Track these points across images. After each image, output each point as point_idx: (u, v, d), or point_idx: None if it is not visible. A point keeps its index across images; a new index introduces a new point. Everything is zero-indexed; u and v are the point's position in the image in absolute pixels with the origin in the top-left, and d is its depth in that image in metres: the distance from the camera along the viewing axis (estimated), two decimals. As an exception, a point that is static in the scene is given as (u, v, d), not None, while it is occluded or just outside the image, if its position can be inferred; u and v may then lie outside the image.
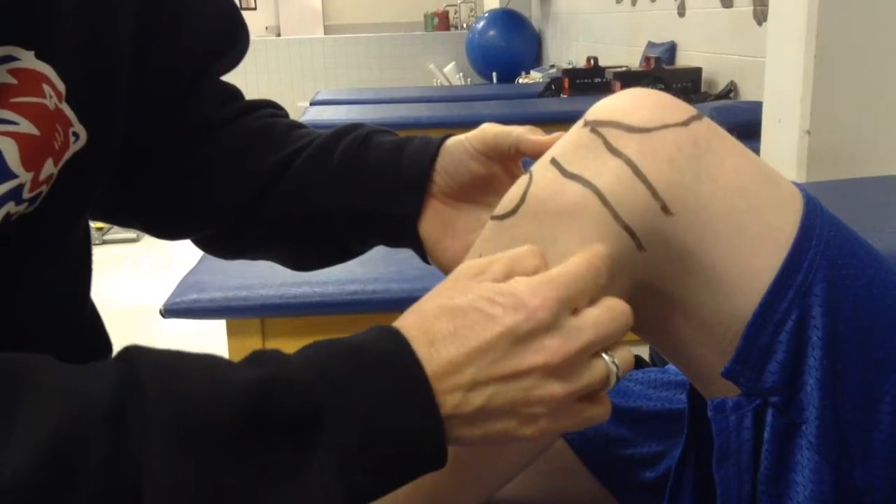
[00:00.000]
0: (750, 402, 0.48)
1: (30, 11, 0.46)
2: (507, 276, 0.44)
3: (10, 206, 0.47)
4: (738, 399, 0.48)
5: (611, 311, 0.44)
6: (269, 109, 0.70)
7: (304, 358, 0.40)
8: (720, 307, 0.48)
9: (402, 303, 1.45)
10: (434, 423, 0.40)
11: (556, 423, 0.43)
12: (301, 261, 0.70)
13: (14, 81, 0.46)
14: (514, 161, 0.62)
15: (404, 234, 0.63)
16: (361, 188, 0.63)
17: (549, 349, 0.41)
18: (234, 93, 0.70)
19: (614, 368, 0.43)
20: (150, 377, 0.36)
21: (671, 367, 0.74)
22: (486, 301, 0.41)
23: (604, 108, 0.51)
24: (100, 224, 3.13)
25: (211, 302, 1.19)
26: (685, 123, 0.49)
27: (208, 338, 1.70)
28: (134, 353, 0.38)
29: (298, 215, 0.64)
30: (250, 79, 6.47)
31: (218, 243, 0.69)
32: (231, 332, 1.24)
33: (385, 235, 0.65)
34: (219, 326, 1.25)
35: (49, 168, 0.49)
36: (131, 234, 3.36)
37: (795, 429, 0.47)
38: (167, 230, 0.70)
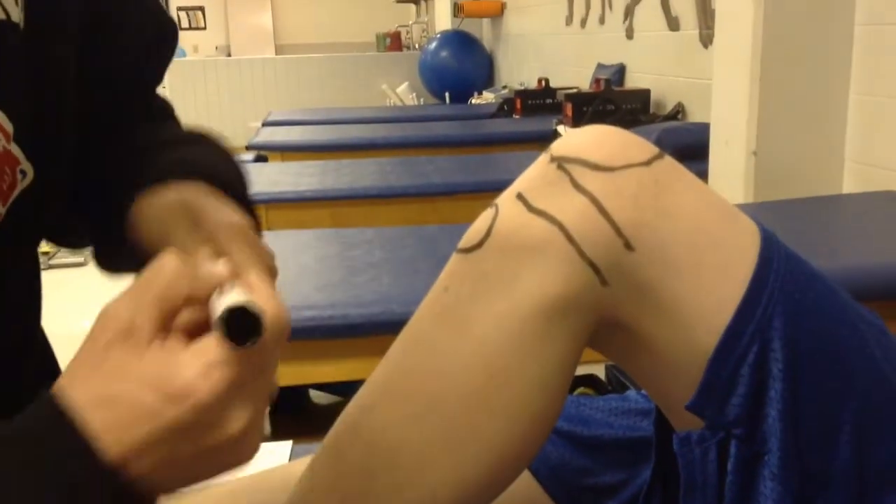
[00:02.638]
0: (714, 434, 0.49)
1: None
2: (158, 329, 0.40)
3: None
4: (703, 432, 0.49)
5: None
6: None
7: None
8: (683, 342, 0.49)
9: (358, 328, 1.42)
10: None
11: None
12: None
13: None
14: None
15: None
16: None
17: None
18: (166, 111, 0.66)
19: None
20: None
21: (631, 393, 0.74)
22: (147, 389, 0.38)
23: (570, 144, 0.52)
24: (46, 248, 3.05)
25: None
26: (647, 163, 0.50)
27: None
28: None
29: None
30: (200, 100, 6.40)
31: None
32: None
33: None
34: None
35: None
36: (78, 258, 3.28)
37: (758, 460, 0.48)
38: (74, 237, 0.66)
